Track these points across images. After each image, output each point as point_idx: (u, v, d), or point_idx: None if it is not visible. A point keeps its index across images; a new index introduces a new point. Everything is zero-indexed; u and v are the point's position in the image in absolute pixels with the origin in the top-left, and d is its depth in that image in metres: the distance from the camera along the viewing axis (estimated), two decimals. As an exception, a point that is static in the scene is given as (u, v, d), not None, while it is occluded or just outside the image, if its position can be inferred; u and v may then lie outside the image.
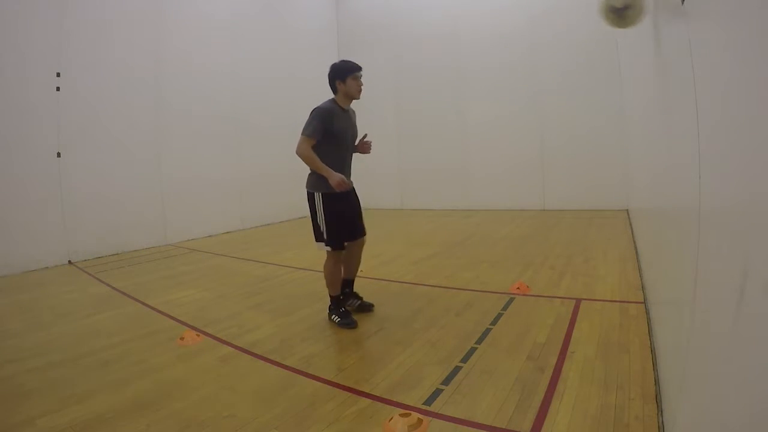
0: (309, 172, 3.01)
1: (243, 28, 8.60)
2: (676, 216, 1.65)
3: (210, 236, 7.73)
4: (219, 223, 8.02)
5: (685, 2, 1.21)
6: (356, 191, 3.27)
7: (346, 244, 3.09)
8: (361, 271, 4.27)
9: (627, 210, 7.24)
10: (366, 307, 3.27)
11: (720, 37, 0.94)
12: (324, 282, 3.15)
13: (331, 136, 2.94)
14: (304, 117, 2.99)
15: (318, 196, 2.97)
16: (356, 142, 3.23)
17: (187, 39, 7.58)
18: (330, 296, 3.15)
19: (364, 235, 3.26)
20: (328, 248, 3.01)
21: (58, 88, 5.85)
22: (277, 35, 9.33)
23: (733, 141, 0.86)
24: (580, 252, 4.76)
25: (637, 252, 4.47)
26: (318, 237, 3.04)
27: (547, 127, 8.34)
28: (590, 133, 7.86)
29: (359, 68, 3.01)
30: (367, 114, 10.62)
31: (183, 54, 7.49)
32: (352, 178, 3.18)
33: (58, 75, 5.85)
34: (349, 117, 3.09)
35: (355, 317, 3.12)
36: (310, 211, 3.04)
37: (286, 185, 9.20)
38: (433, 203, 9.61)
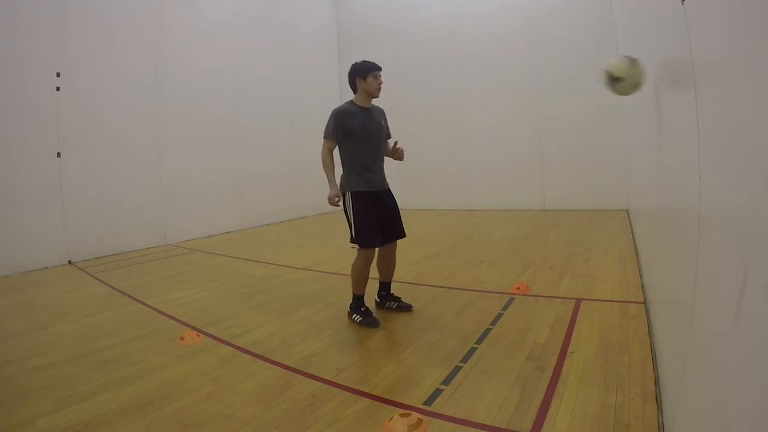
0: (341, 173, 3.08)
1: (243, 28, 8.60)
2: (676, 216, 1.65)
3: (210, 236, 7.73)
4: (219, 223, 8.02)
5: (685, 2, 1.21)
6: (392, 192, 3.25)
7: (378, 245, 3.07)
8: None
9: (627, 210, 7.24)
10: (405, 308, 3.25)
11: (720, 36, 0.94)
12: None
13: (351, 136, 2.97)
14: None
15: (348, 195, 3.00)
16: (389, 147, 3.23)
17: (187, 39, 7.58)
18: (353, 294, 3.11)
19: (401, 237, 3.23)
20: (357, 246, 3.01)
21: (58, 88, 5.85)
22: (277, 35, 9.33)
23: (733, 141, 0.86)
24: (580, 252, 4.76)
25: (637, 252, 4.46)
26: (350, 235, 3.05)
27: (547, 127, 8.34)
28: (590, 133, 7.86)
29: (379, 67, 3.05)
30: (367, 114, 10.63)
31: (183, 54, 7.49)
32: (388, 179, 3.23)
33: (58, 75, 5.85)
34: (371, 115, 3.08)
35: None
36: (344, 210, 3.07)
37: (286, 185, 9.22)
38: (433, 203, 9.61)
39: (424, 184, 9.80)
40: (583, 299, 3.23)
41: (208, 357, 2.64)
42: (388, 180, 3.24)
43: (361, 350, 2.66)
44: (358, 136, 2.98)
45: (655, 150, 2.48)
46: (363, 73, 3.00)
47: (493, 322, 2.90)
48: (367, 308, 3.09)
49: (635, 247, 4.68)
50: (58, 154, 5.88)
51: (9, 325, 3.43)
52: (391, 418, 1.82)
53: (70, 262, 5.94)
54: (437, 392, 2.06)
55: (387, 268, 3.27)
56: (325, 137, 2.98)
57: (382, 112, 3.20)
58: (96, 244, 6.22)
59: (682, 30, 1.26)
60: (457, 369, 2.28)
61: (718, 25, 0.95)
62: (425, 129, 9.73)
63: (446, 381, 2.16)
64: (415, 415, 1.81)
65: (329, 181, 2.95)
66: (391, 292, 3.34)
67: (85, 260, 6.04)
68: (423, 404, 1.96)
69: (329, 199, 2.93)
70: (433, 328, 2.88)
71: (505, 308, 3.17)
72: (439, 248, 5.47)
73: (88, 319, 3.49)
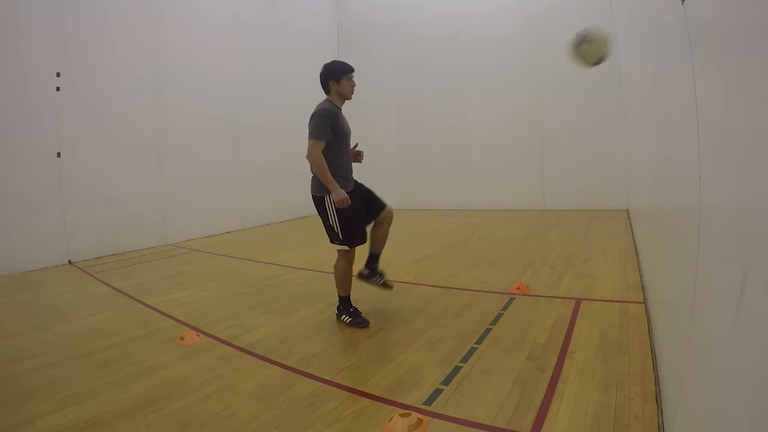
0: (312, 175, 2.95)
1: (243, 28, 8.60)
2: (676, 216, 1.65)
3: (210, 236, 7.73)
4: (219, 223, 8.02)
5: (685, 2, 1.21)
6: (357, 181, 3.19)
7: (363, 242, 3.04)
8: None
9: (627, 210, 7.24)
10: (388, 286, 3.25)
11: (720, 36, 0.94)
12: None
13: (338, 135, 2.92)
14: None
15: (328, 198, 2.89)
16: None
17: (187, 39, 7.58)
18: (339, 297, 3.09)
19: (385, 206, 3.15)
20: (345, 247, 2.96)
21: (58, 88, 5.85)
22: (277, 35, 9.34)
23: (733, 141, 0.86)
24: (580, 252, 4.76)
25: (637, 252, 4.46)
26: (333, 238, 2.99)
27: (547, 127, 8.35)
28: (590, 133, 7.86)
29: (352, 69, 3.01)
30: (368, 113, 10.66)
31: (183, 54, 7.49)
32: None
33: (58, 75, 5.85)
34: (344, 116, 3.09)
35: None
36: (321, 214, 2.98)
37: (286, 185, 9.22)
38: (433, 203, 9.61)
39: (424, 184, 9.80)
40: (583, 299, 3.23)
41: (208, 357, 2.64)
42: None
43: (361, 350, 2.66)
44: (341, 136, 2.95)
45: (655, 150, 2.48)
46: (336, 77, 2.95)
47: (493, 322, 2.90)
48: (356, 309, 3.08)
49: (635, 247, 4.68)
50: (58, 154, 5.88)
51: (9, 325, 3.43)
52: (391, 418, 1.82)
53: (70, 262, 5.93)
54: (437, 392, 2.06)
55: (379, 238, 3.18)
56: (315, 138, 2.81)
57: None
58: (96, 244, 6.22)
59: (682, 30, 1.26)
60: (457, 369, 2.28)
61: (718, 24, 0.95)
62: (425, 129, 9.73)
63: (446, 381, 2.16)
64: (415, 415, 1.81)
65: (331, 183, 2.80)
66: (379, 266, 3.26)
67: (85, 260, 6.04)
68: (423, 404, 1.96)
69: (342, 201, 2.80)
70: (433, 328, 2.88)
71: (505, 308, 3.17)
72: (439, 248, 5.47)
73: (88, 319, 3.49)
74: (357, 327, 2.96)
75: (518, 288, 3.56)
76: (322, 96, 3.09)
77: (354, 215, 2.94)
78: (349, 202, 2.85)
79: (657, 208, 2.56)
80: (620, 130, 7.02)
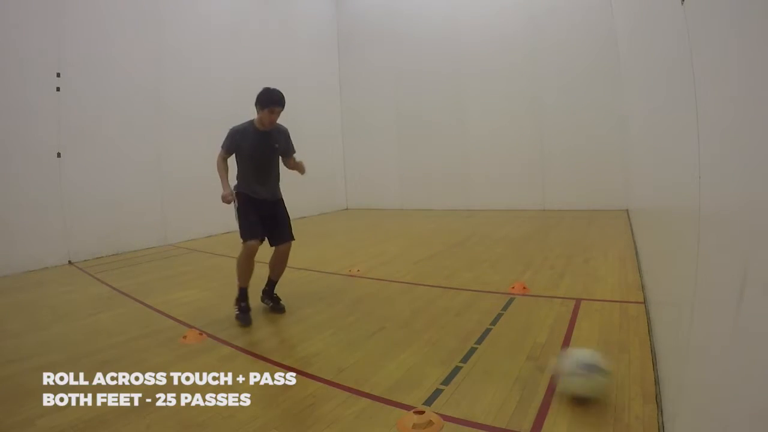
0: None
1: (243, 29, 8.59)
2: (676, 216, 1.65)
3: (210, 236, 7.73)
4: (219, 223, 8.00)
5: (685, 2, 1.21)
6: (284, 204, 3.49)
7: (257, 241, 3.16)
8: (358, 270, 4.29)
9: (627, 210, 7.24)
10: (278, 310, 3.35)
11: (720, 37, 0.94)
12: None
13: (242, 153, 3.25)
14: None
15: (236, 194, 3.23)
16: (294, 162, 3.55)
17: (187, 40, 7.58)
18: (238, 286, 3.24)
19: (289, 240, 3.36)
20: (241, 240, 3.14)
21: (58, 88, 5.85)
22: (277, 36, 9.33)
23: (733, 141, 0.86)
24: (580, 252, 4.76)
25: (637, 252, 4.46)
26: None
27: (548, 128, 8.35)
28: (590, 134, 7.87)
29: (279, 105, 3.26)
30: (368, 114, 10.67)
31: (183, 54, 7.49)
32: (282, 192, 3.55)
33: (58, 75, 5.85)
34: (265, 138, 3.27)
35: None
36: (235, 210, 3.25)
37: (286, 185, 9.21)
38: (433, 203, 9.61)
39: (424, 184, 9.80)
40: (583, 299, 3.23)
41: (208, 357, 2.64)
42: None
43: (361, 350, 2.65)
44: (246, 156, 3.23)
45: (655, 150, 2.48)
46: (261, 105, 3.20)
47: (493, 322, 2.90)
48: (247, 304, 3.21)
49: (635, 247, 4.68)
50: (58, 155, 5.87)
51: (9, 325, 3.43)
52: (404, 416, 1.82)
53: (70, 262, 5.93)
54: (437, 392, 2.06)
55: (275, 266, 3.39)
56: (221, 147, 3.26)
57: (282, 133, 3.40)
58: (96, 244, 6.22)
59: (682, 30, 1.26)
60: (457, 369, 2.28)
61: (718, 25, 0.95)
62: (425, 129, 9.74)
63: (446, 381, 2.16)
64: (430, 414, 1.81)
65: (222, 183, 3.19)
66: (275, 293, 3.45)
67: (85, 260, 6.04)
68: (423, 404, 1.96)
69: (222, 198, 3.15)
70: (433, 328, 2.88)
71: (505, 308, 3.17)
72: (439, 248, 5.47)
73: (88, 319, 3.49)
74: (237, 321, 3.12)
75: (518, 288, 3.56)
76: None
77: (245, 215, 3.17)
78: (229, 199, 3.15)
79: (657, 209, 2.56)
80: (620, 130, 7.02)
